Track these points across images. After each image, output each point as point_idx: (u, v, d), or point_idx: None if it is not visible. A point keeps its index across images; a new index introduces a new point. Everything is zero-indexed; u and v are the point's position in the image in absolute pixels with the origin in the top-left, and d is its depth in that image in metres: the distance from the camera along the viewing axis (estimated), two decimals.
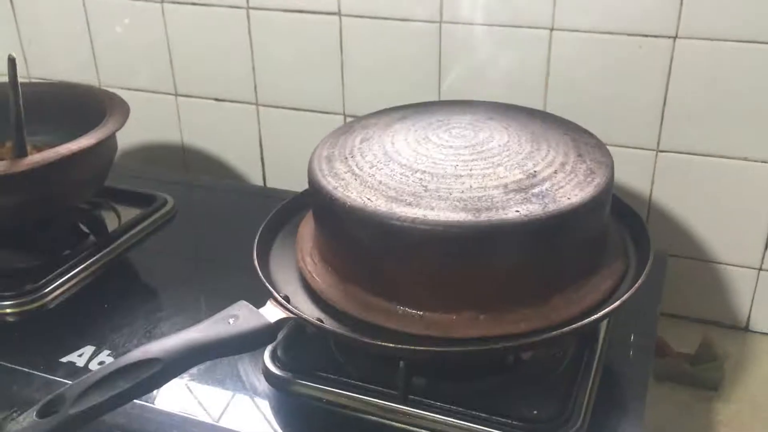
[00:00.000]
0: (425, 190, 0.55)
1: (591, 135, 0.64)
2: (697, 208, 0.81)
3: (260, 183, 1.00)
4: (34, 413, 0.46)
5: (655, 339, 0.67)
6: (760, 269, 0.81)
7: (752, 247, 0.81)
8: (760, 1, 0.70)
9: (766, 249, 0.80)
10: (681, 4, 0.73)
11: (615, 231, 0.65)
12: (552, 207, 0.53)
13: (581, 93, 0.80)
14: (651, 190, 0.82)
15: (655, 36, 0.75)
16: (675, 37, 0.74)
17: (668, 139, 0.79)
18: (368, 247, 0.56)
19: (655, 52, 0.75)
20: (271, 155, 0.98)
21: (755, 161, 0.77)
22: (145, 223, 0.81)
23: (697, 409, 0.75)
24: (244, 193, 0.97)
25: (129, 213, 0.84)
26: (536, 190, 0.55)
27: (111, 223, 0.82)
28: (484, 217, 0.52)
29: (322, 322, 0.56)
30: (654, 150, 0.80)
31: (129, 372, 0.48)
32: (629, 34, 0.76)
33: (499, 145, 0.60)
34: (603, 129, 0.79)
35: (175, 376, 0.50)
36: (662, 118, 0.78)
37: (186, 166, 1.04)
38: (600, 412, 0.56)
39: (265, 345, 0.57)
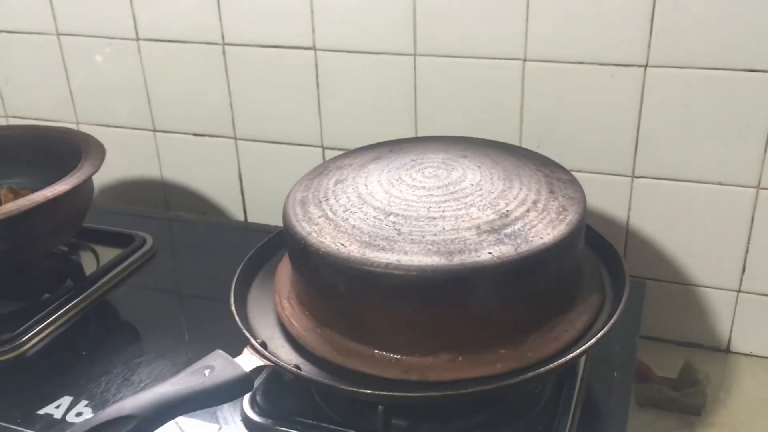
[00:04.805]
0: (398, 234, 0.55)
1: (564, 170, 0.65)
2: (674, 233, 0.82)
3: (241, 218, 1.00)
4: None
5: (634, 368, 0.67)
6: (739, 291, 0.82)
7: (730, 269, 0.81)
8: (725, 30, 0.71)
9: (743, 271, 0.81)
10: (650, 33, 0.73)
11: (590, 262, 0.65)
12: (524, 248, 0.54)
13: (556, 122, 0.80)
14: (628, 216, 0.83)
15: (626, 65, 0.76)
16: (646, 66, 0.75)
17: (643, 165, 0.80)
18: (344, 293, 0.56)
19: (626, 81, 0.76)
20: (251, 189, 0.98)
21: (730, 185, 0.77)
22: (124, 264, 0.81)
23: None
24: (225, 229, 0.96)
25: (108, 253, 0.84)
26: (508, 230, 0.55)
27: (90, 264, 0.82)
28: (456, 260, 0.53)
29: (299, 368, 0.56)
30: (630, 176, 0.81)
31: (103, 431, 0.48)
32: (601, 64, 0.77)
33: (472, 185, 0.60)
34: (579, 156, 0.81)
35: None
36: (636, 145, 0.79)
37: (167, 203, 1.03)
38: None
39: (242, 395, 0.57)
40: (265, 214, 0.98)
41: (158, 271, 0.84)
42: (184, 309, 0.80)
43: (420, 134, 0.86)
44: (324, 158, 0.92)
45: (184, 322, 0.76)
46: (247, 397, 0.60)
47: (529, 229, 0.55)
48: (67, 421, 0.60)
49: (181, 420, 0.60)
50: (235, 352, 0.57)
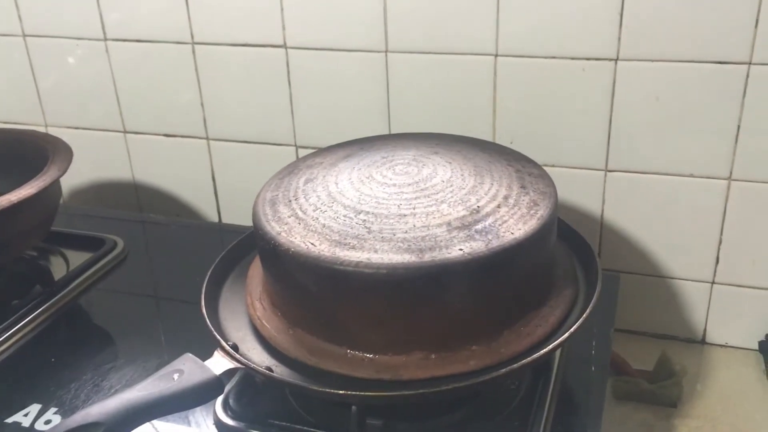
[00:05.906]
0: (369, 232, 0.55)
1: (535, 164, 0.64)
2: (648, 225, 0.82)
3: (215, 219, 0.99)
4: None
5: (609, 361, 0.67)
6: (713, 283, 0.82)
7: (704, 261, 0.81)
8: (695, 23, 0.71)
9: (717, 263, 0.81)
10: (620, 27, 0.73)
11: (564, 257, 0.65)
12: (495, 243, 0.53)
13: (529, 117, 0.80)
14: (602, 209, 0.83)
15: (597, 59, 0.76)
16: (616, 60, 0.75)
17: (616, 159, 0.80)
18: (314, 293, 0.55)
19: (598, 75, 0.76)
20: (225, 190, 0.97)
21: (701, 177, 0.77)
22: (94, 269, 0.80)
23: (658, 428, 0.75)
24: (199, 231, 0.95)
25: (78, 257, 0.82)
26: (479, 226, 0.55)
27: (59, 269, 0.80)
28: (427, 257, 0.52)
29: (271, 370, 0.55)
30: (603, 170, 0.81)
31: None
32: (572, 58, 0.76)
33: (443, 181, 0.60)
34: (553, 151, 0.81)
35: None
36: (609, 139, 0.79)
37: (139, 205, 1.02)
38: None
39: (212, 399, 0.56)
40: (239, 214, 0.97)
41: (130, 274, 0.83)
42: (157, 313, 0.79)
43: (393, 131, 0.85)
44: (298, 157, 0.91)
45: (157, 326, 0.75)
46: (219, 400, 0.59)
47: (500, 225, 0.55)
48: (35, 429, 0.59)
49: (155, 422, 0.59)
50: (209, 355, 0.56)
